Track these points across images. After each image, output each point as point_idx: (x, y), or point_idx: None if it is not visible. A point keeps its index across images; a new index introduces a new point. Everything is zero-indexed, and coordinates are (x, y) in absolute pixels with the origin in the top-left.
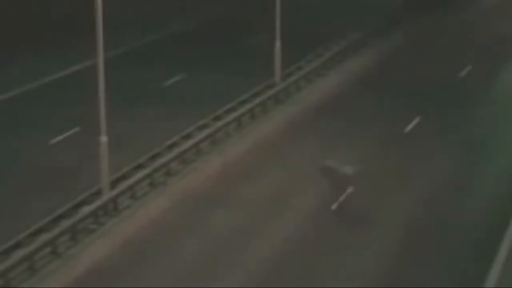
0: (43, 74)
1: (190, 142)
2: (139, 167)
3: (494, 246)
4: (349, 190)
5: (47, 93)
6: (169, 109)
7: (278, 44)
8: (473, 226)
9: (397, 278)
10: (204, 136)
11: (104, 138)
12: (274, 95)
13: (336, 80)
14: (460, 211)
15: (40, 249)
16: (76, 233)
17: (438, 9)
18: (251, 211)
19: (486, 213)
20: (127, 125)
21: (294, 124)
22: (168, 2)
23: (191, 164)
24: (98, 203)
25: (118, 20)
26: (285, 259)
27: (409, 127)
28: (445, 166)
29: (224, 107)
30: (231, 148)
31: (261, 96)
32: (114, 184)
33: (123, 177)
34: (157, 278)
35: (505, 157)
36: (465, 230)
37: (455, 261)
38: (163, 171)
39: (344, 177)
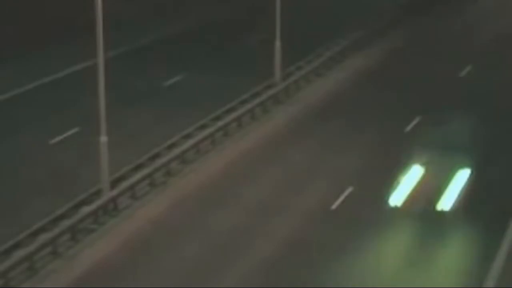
0: (43, 74)
1: (190, 142)
2: (139, 167)
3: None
4: (349, 190)
5: (47, 93)
6: (169, 109)
7: (278, 44)
8: None
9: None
10: (204, 136)
11: (104, 138)
12: (274, 95)
13: (336, 80)
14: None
15: (40, 249)
16: (76, 233)
17: (438, 9)
18: (251, 211)
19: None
20: (127, 125)
21: (294, 124)
22: (168, 2)
23: (191, 164)
24: (98, 203)
25: (118, 20)
26: (285, 259)
27: (409, 126)
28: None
29: (224, 107)
30: (231, 148)
31: (261, 96)
32: (114, 184)
33: (123, 177)
34: (157, 278)
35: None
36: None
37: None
38: (163, 171)
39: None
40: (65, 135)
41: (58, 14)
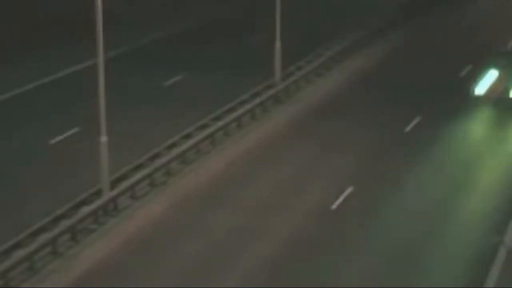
0: (44, 74)
1: (190, 142)
2: (139, 167)
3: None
4: (349, 190)
5: (47, 93)
6: (169, 109)
7: (278, 44)
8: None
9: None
10: (204, 136)
11: (104, 138)
12: (274, 95)
13: (336, 80)
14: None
15: (40, 249)
16: (76, 233)
17: (438, 9)
18: (251, 211)
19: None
20: (127, 125)
21: (294, 124)
22: (168, 2)
23: (191, 164)
24: (98, 203)
25: (118, 20)
26: (285, 259)
27: (409, 126)
28: (444, 163)
29: (224, 107)
30: (231, 148)
31: (261, 96)
32: (114, 184)
33: (123, 177)
34: (157, 278)
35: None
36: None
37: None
38: (163, 171)
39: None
40: (65, 135)
41: (58, 14)
